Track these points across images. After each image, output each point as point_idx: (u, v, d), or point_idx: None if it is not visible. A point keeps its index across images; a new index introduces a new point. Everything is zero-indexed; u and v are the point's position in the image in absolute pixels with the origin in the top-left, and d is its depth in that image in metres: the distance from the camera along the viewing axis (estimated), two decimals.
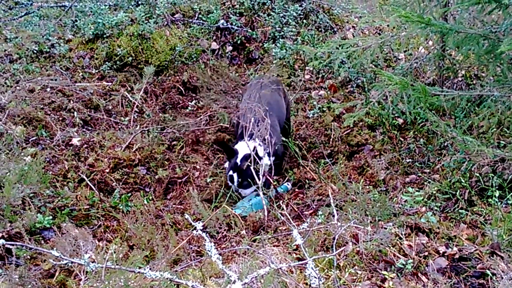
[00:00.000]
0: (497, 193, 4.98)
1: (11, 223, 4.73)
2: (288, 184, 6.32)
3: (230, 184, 6.09)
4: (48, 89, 7.13)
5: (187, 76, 8.13)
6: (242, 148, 6.09)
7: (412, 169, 6.32)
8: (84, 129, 6.80)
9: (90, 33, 8.22)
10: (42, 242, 4.77)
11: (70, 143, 6.34)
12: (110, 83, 7.82)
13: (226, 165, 6.37)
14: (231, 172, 6.01)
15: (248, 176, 5.91)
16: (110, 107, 7.38)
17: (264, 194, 5.64)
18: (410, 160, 6.44)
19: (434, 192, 5.58)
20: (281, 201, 5.78)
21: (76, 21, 8.71)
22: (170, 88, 8.02)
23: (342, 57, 6.93)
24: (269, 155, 6.06)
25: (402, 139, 6.79)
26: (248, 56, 8.79)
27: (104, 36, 8.21)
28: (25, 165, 5.21)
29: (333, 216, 4.94)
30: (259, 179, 5.75)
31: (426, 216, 4.86)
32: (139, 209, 5.41)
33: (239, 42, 8.81)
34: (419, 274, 4.14)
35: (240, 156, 6.03)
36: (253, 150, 5.94)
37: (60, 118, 6.75)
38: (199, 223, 4.12)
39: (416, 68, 7.52)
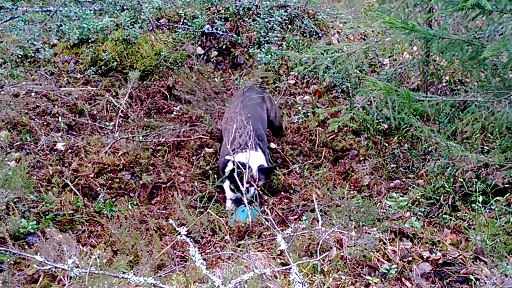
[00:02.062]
0: (480, 198, 5.01)
1: None
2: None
3: (236, 195, 5.80)
4: (33, 94, 7.12)
5: (172, 81, 8.12)
6: (251, 158, 5.83)
7: (396, 174, 6.35)
8: (69, 134, 6.79)
9: (75, 38, 8.20)
10: (26, 247, 4.75)
11: (54, 148, 6.32)
12: (95, 88, 7.80)
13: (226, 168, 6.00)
14: (247, 186, 5.63)
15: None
16: (95, 112, 7.37)
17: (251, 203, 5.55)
18: (395, 165, 6.47)
19: (418, 197, 5.61)
20: (265, 206, 5.77)
21: (61, 25, 8.69)
22: (155, 93, 8.01)
23: (327, 63, 6.95)
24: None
25: (387, 144, 6.81)
26: (233, 61, 8.80)
27: (89, 41, 8.20)
28: (9, 170, 5.19)
29: (318, 221, 4.94)
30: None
31: (410, 221, 4.88)
32: (123, 214, 5.40)
33: (224, 47, 8.81)
34: (403, 279, 4.16)
35: (254, 167, 5.79)
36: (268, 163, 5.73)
37: (45, 123, 6.73)
38: (183, 228, 4.11)
39: (400, 73, 7.54)
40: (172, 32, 8.87)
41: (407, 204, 5.46)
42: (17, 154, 5.85)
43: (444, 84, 7.30)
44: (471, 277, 4.11)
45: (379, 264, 4.28)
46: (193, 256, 3.82)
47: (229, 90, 8.23)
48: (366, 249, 4.40)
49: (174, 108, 7.81)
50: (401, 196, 5.61)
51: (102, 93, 7.76)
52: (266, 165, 5.86)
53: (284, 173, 6.52)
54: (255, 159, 5.83)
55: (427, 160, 6.28)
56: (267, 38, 8.73)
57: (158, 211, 5.77)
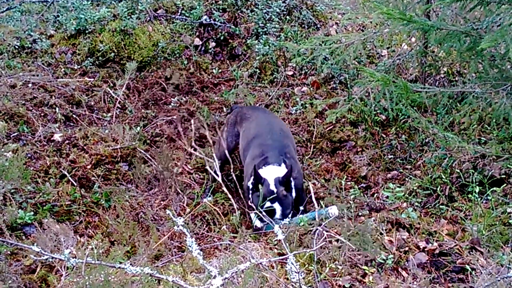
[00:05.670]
0: (477, 189, 5.02)
1: None
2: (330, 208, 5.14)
3: (263, 221, 5.03)
4: (30, 85, 7.11)
5: (169, 72, 8.10)
6: (269, 172, 5.25)
7: (393, 165, 6.36)
8: (66, 125, 6.78)
9: (72, 28, 8.17)
10: (23, 237, 4.76)
11: (51, 139, 6.31)
12: (92, 79, 7.78)
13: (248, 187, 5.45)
14: (269, 204, 5.01)
15: (289, 203, 5.14)
16: (92, 103, 7.35)
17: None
18: (392, 156, 6.47)
19: (415, 188, 5.62)
20: None
21: (58, 16, 8.66)
22: (152, 84, 7.99)
23: (325, 54, 6.94)
24: (294, 179, 5.32)
25: (384, 136, 6.81)
26: (231, 52, 8.77)
27: (86, 31, 8.17)
28: (6, 160, 5.19)
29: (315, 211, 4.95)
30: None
31: (407, 212, 4.89)
32: (120, 205, 5.40)
33: (222, 38, 8.78)
34: (400, 269, 4.17)
35: (271, 181, 5.14)
36: (287, 173, 5.16)
37: (42, 114, 6.73)
38: (180, 218, 4.11)
39: (398, 64, 7.52)
40: (170, 23, 8.85)
41: (404, 195, 5.47)
42: (14, 145, 5.84)
43: (442, 75, 7.29)
44: (467, 267, 4.12)
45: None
46: (190, 246, 3.83)
47: (227, 81, 8.22)
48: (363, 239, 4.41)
49: (172, 99, 7.79)
50: (398, 187, 5.62)
51: (100, 84, 7.73)
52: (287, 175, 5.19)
53: None
54: (273, 173, 5.22)
55: (424, 151, 6.29)
56: (265, 29, 8.71)
57: (155, 202, 5.77)
